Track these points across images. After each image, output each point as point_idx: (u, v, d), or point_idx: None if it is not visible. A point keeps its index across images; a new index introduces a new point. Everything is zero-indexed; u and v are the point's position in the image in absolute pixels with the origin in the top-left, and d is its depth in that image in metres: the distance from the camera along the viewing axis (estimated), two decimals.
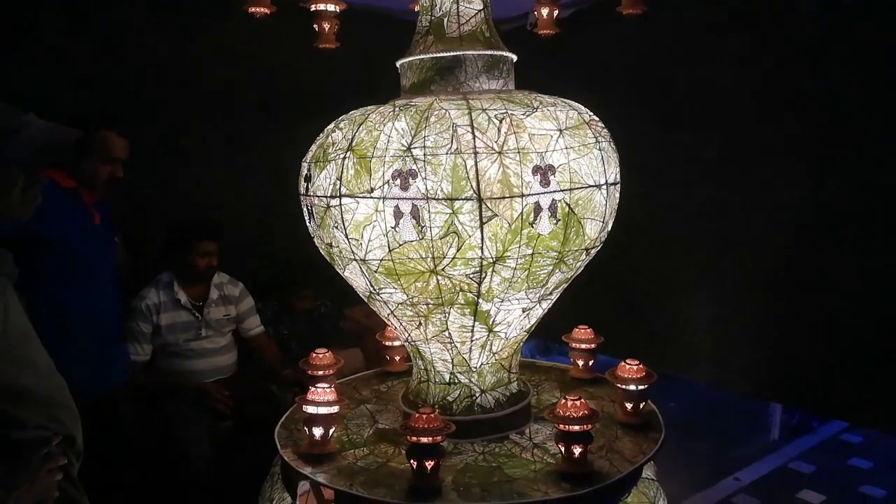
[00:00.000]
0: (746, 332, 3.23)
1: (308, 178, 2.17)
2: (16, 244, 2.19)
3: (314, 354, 2.67)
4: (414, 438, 1.91)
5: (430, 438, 1.90)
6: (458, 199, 1.82)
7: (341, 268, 2.22)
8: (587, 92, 2.40)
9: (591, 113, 2.17)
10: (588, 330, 2.82)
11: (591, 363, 2.80)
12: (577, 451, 1.93)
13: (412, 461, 1.93)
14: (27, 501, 1.50)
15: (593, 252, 2.19)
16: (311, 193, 2.15)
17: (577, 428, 1.92)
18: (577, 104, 2.15)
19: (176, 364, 3.15)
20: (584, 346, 2.79)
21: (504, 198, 1.82)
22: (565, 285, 2.24)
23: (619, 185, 2.15)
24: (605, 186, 2.01)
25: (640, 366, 2.38)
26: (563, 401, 1.97)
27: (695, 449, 3.96)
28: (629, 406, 2.36)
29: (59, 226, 2.35)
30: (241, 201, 3.73)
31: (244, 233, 3.71)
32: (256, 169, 3.75)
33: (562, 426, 1.94)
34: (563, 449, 1.97)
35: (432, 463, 1.91)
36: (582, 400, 1.96)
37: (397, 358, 2.90)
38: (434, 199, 1.83)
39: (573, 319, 2.88)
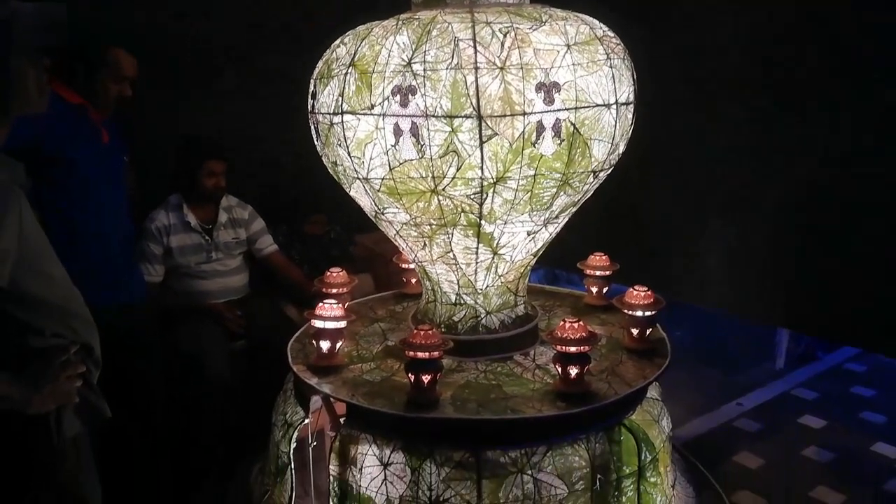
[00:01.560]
0: (760, 258, 3.13)
1: (313, 96, 2.12)
2: (26, 160, 2.20)
3: (329, 273, 2.69)
4: (412, 353, 1.92)
5: (428, 354, 1.90)
6: (457, 116, 1.75)
7: (347, 187, 2.18)
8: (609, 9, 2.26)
9: (607, 29, 2.04)
10: (604, 257, 2.76)
11: (605, 290, 2.74)
12: (573, 371, 1.91)
13: (410, 375, 1.94)
14: (48, 404, 1.55)
15: (602, 175, 2.10)
16: (317, 111, 2.10)
17: (573, 349, 1.89)
18: (591, 19, 2.02)
19: (188, 285, 3.14)
20: (598, 272, 2.74)
21: (505, 116, 1.74)
22: (573, 209, 2.17)
23: (632, 106, 2.04)
24: (614, 106, 1.90)
25: (649, 292, 2.33)
26: (563, 323, 1.93)
27: (701, 375, 3.95)
28: (635, 332, 2.33)
29: (67, 142, 2.34)
30: (252, 124, 3.61)
31: (254, 156, 3.63)
32: (268, 91, 3.60)
33: (559, 347, 1.91)
34: (559, 369, 1.95)
35: (429, 377, 1.92)
36: (581, 322, 1.92)
37: (413, 280, 2.88)
38: (433, 116, 1.76)
39: (587, 247, 2.81)
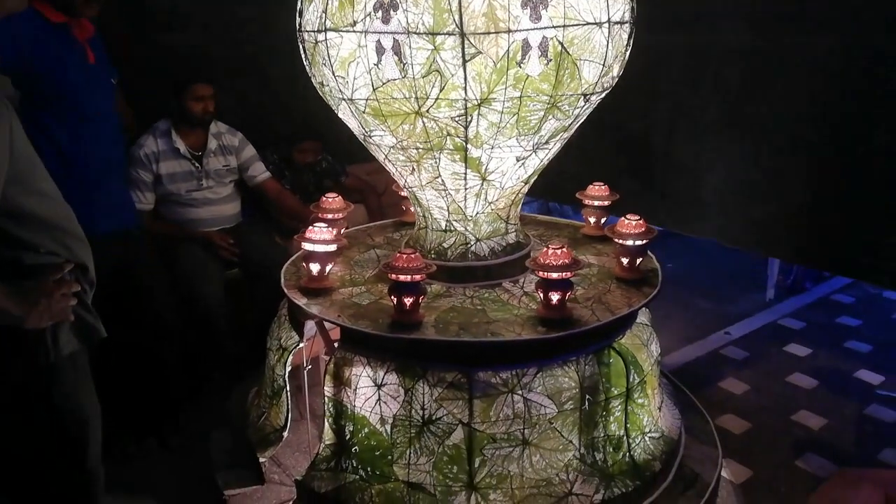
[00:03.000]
0: (758, 188, 3.01)
1: (300, 13, 2.00)
2: (15, 81, 2.11)
3: (325, 198, 2.62)
4: (394, 276, 1.86)
5: (410, 277, 1.85)
6: (439, 33, 1.63)
7: (335, 108, 2.08)
8: None
9: None
10: (603, 187, 2.66)
11: (603, 221, 2.65)
12: (554, 297, 1.86)
13: (392, 297, 1.90)
14: (44, 320, 1.52)
15: (594, 99, 1.98)
16: (303, 29, 1.98)
17: (555, 275, 1.82)
18: None
19: (179, 213, 3.02)
20: (596, 202, 2.64)
21: (489, 33, 1.62)
22: (564, 135, 2.07)
23: (627, 26, 1.90)
24: (606, 25, 1.77)
25: (640, 221, 2.25)
26: (545, 249, 1.86)
27: (691, 304, 3.92)
28: (625, 261, 2.25)
29: (52, 59, 2.23)
30: (239, 47, 3.42)
31: (243, 81, 3.45)
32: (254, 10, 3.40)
33: (541, 273, 1.85)
34: (541, 295, 1.89)
35: (411, 300, 1.88)
36: (564, 249, 1.85)
37: (411, 208, 2.81)
38: (415, 33, 1.65)
39: (585, 178, 2.71)
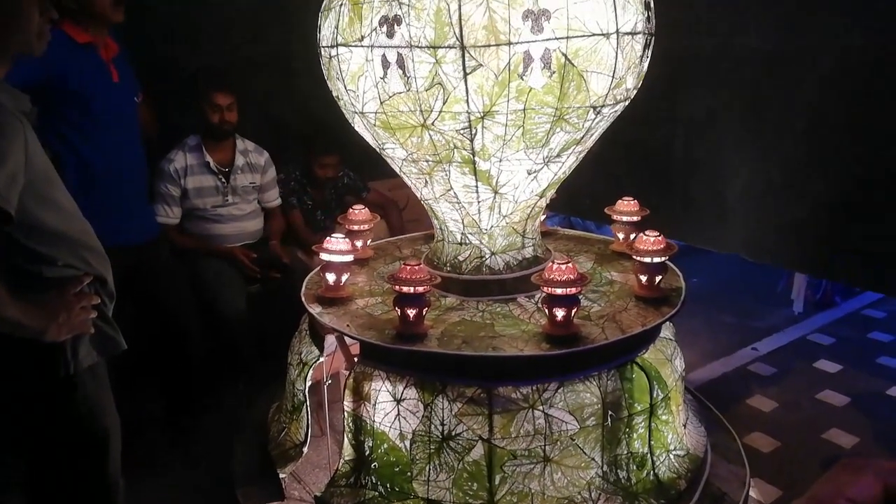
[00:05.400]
0: (783, 202, 2.81)
1: (319, 29, 1.95)
2: (39, 98, 2.10)
3: (352, 210, 2.55)
4: (397, 288, 1.78)
5: (413, 289, 1.76)
6: (440, 46, 1.54)
7: (350, 121, 2.01)
8: None
9: None
10: (633, 202, 2.49)
11: (632, 236, 2.46)
12: (559, 313, 1.73)
13: (396, 308, 1.81)
14: (63, 333, 1.49)
15: (608, 111, 1.85)
16: (320, 44, 1.93)
17: (560, 291, 1.70)
18: None
19: (203, 227, 2.96)
20: (625, 218, 2.47)
21: (489, 46, 1.52)
22: (577, 147, 1.94)
23: (640, 36, 1.77)
24: (614, 36, 1.64)
25: (659, 238, 2.07)
26: (551, 264, 1.74)
27: (717, 319, 3.68)
28: (644, 278, 2.08)
29: (77, 77, 2.23)
30: (261, 62, 3.30)
31: (266, 94, 3.33)
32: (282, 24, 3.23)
33: (546, 288, 1.73)
34: (547, 311, 1.77)
35: (415, 311, 1.79)
36: (570, 264, 1.72)
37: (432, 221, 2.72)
38: (417, 46, 1.56)
39: (604, 192, 2.57)
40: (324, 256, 2.12)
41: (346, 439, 1.98)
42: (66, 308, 1.48)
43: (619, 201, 2.51)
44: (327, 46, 1.84)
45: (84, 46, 2.25)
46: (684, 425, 2.20)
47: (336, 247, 2.12)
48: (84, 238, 1.59)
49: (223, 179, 2.96)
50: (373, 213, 2.59)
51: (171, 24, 3.01)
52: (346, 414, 1.96)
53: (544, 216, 2.74)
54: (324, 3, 1.93)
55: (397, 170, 2.10)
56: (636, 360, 1.93)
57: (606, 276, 2.27)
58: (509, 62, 1.54)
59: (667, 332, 2.15)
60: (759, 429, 2.70)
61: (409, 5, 1.56)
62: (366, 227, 2.53)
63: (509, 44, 1.52)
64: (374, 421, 1.90)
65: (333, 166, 3.29)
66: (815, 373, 3.16)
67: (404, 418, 1.86)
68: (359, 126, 1.97)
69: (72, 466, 1.62)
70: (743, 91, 2.87)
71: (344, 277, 2.15)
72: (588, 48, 1.61)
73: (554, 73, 1.58)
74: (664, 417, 2.04)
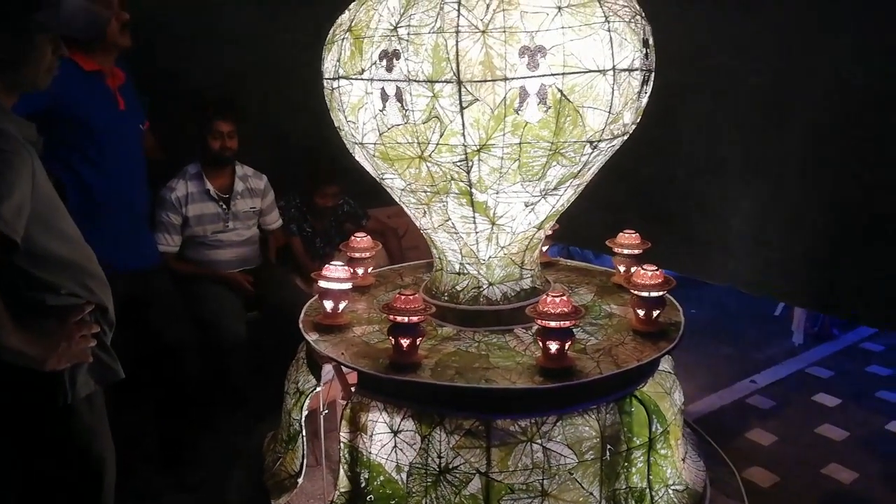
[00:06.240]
0: (779, 235, 2.78)
1: (322, 62, 1.96)
2: (45, 125, 2.10)
3: (354, 238, 2.53)
4: (391, 317, 1.75)
5: (407, 318, 1.73)
6: (437, 81, 1.54)
7: (351, 151, 2.01)
8: None
9: None
10: (634, 235, 2.46)
11: (633, 269, 2.41)
12: (553, 346, 1.70)
13: (390, 337, 1.78)
14: (63, 362, 1.46)
15: (605, 146, 1.84)
16: (323, 76, 1.93)
17: (553, 324, 1.67)
18: None
19: (202, 254, 2.92)
20: (626, 251, 2.43)
21: (485, 81, 1.51)
22: (574, 181, 1.92)
23: (638, 73, 1.76)
24: (611, 72, 1.64)
25: (657, 272, 2.04)
26: (545, 297, 1.72)
27: (715, 351, 3.62)
28: (641, 313, 2.04)
29: (83, 105, 2.23)
30: (263, 90, 3.28)
31: (267, 122, 3.27)
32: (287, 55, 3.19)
33: (539, 321, 1.70)
34: (541, 343, 1.74)
35: (408, 341, 1.76)
36: (564, 297, 1.70)
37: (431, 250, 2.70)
38: (415, 81, 1.56)
39: (601, 223, 2.55)
40: (321, 284, 2.11)
41: (341, 470, 1.94)
42: (67, 337, 1.46)
43: (621, 234, 2.48)
44: (330, 78, 1.85)
45: (91, 74, 2.27)
46: (683, 459, 2.16)
47: (333, 274, 2.11)
48: (88, 265, 1.58)
49: (224, 206, 2.94)
50: (375, 241, 2.58)
51: (175, 50, 2.99)
52: (342, 445, 1.92)
53: (546, 247, 2.73)
54: (328, 36, 1.95)
55: (397, 199, 2.09)
56: (635, 394, 1.89)
57: (606, 309, 2.24)
58: (505, 97, 1.54)
59: (666, 364, 2.11)
60: (759, 463, 2.64)
61: (407, 41, 1.57)
62: (367, 254, 2.51)
63: (505, 79, 1.52)
64: (370, 452, 1.86)
65: (334, 195, 3.26)
66: (814, 406, 3.10)
67: (401, 450, 1.82)
68: (359, 156, 1.97)
69: (66, 496, 1.59)
70: (744, 125, 2.86)
71: (342, 305, 2.13)
72: (584, 84, 1.60)
73: (549, 108, 1.58)
74: (663, 451, 2.00)
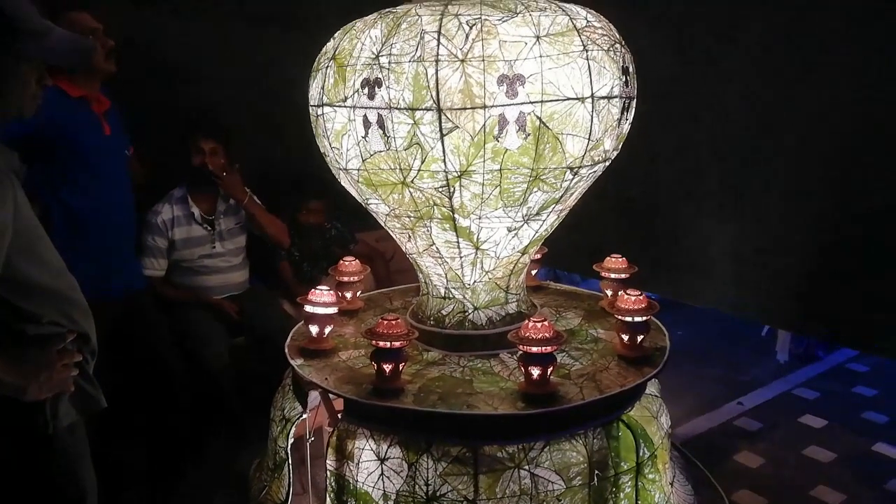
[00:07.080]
0: (761, 258, 2.78)
1: (309, 89, 1.96)
2: (31, 151, 2.09)
3: (343, 262, 2.51)
4: (374, 342, 1.73)
5: (389, 343, 1.71)
6: (418, 109, 1.54)
7: (337, 177, 2.00)
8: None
9: (597, 20, 1.76)
10: (620, 260, 2.44)
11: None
12: (535, 372, 1.67)
13: (373, 363, 1.76)
14: (44, 392, 1.42)
15: (585, 172, 1.83)
16: (309, 103, 1.93)
17: (535, 349, 1.65)
18: (578, 9, 1.74)
19: (189, 279, 2.88)
20: (612, 275, 2.41)
21: (465, 109, 1.51)
22: (557, 206, 1.91)
23: (618, 100, 1.76)
24: (589, 100, 1.64)
25: (640, 296, 2.02)
26: (527, 322, 1.70)
27: (702, 373, 3.59)
28: (625, 338, 2.01)
29: (69, 130, 2.22)
30: (250, 109, 3.23)
31: (253, 142, 3.22)
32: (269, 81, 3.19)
33: (522, 346, 1.68)
34: (523, 369, 1.72)
35: (391, 366, 1.73)
36: (546, 322, 1.68)
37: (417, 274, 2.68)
38: (396, 108, 1.56)
39: (586, 245, 2.54)
40: (306, 308, 2.08)
41: (328, 499, 1.89)
42: (48, 366, 1.42)
43: (608, 258, 2.46)
44: (314, 105, 1.85)
45: (76, 100, 2.26)
46: (671, 483, 2.12)
47: (319, 298, 2.09)
48: (71, 294, 1.54)
49: (209, 227, 2.90)
50: (364, 265, 2.56)
51: (160, 74, 2.98)
52: (328, 473, 1.87)
53: (534, 271, 2.71)
54: (314, 64, 1.95)
55: (382, 224, 2.08)
56: (622, 418, 1.86)
57: (592, 334, 2.21)
58: (485, 124, 1.54)
59: (652, 388, 2.08)
60: (747, 486, 2.60)
61: (389, 69, 1.57)
62: (355, 278, 2.49)
63: (484, 107, 1.52)
64: (357, 480, 1.81)
65: (318, 212, 3.22)
66: (800, 428, 3.06)
67: (388, 478, 1.78)
68: (344, 182, 1.96)
69: None
70: (727, 149, 2.87)
71: (327, 329, 2.10)
72: (563, 111, 1.60)
73: (529, 135, 1.58)
74: (651, 476, 1.96)
